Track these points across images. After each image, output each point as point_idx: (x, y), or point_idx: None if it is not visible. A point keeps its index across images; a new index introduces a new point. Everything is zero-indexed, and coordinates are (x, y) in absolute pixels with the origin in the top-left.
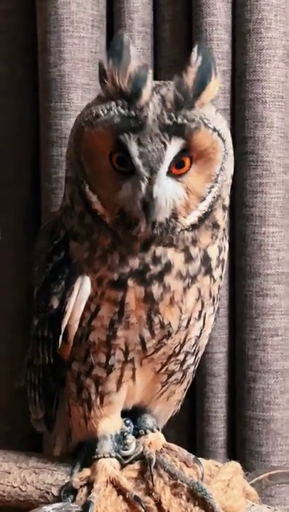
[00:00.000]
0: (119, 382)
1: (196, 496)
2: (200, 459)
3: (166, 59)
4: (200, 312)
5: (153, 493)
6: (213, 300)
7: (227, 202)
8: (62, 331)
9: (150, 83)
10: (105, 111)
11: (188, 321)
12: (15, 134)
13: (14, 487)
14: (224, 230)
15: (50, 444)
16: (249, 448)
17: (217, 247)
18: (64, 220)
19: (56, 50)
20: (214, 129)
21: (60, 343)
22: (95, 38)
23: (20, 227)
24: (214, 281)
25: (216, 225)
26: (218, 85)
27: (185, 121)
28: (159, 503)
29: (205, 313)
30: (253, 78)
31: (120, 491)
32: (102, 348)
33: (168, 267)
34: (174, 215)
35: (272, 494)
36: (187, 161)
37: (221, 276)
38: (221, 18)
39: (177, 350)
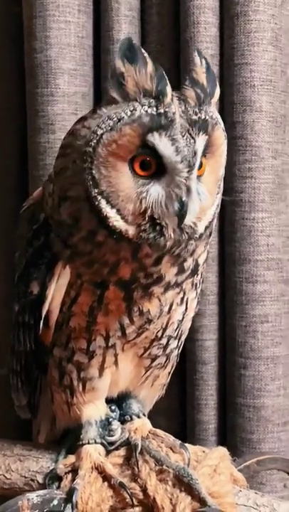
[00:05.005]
0: (101, 368)
1: (182, 481)
2: (186, 444)
3: (153, 43)
4: (182, 298)
5: (138, 479)
6: (195, 286)
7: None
8: (43, 316)
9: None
10: (128, 112)
11: (170, 306)
12: (2, 121)
13: None
14: None
15: (35, 431)
16: (240, 435)
17: (206, 250)
18: (54, 231)
19: (42, 35)
20: (223, 129)
21: (41, 328)
22: (82, 22)
23: (8, 215)
24: (197, 275)
25: (210, 234)
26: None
27: (207, 116)
28: (144, 489)
29: (187, 298)
30: (241, 62)
31: (105, 477)
32: (82, 333)
33: (158, 280)
34: (198, 218)
35: (264, 482)
36: (204, 161)
37: (203, 267)
38: (208, 1)
39: (159, 334)
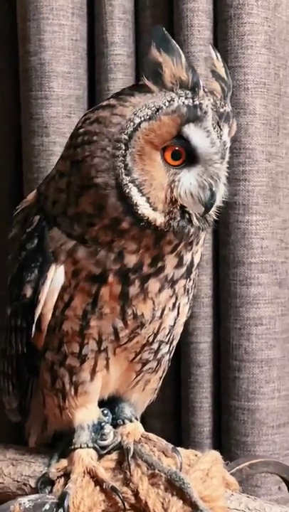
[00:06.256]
0: (93, 372)
1: (174, 485)
2: (179, 448)
3: (147, 46)
4: (174, 303)
5: (130, 484)
6: (188, 292)
7: None
8: (36, 319)
9: None
10: (166, 103)
11: (162, 311)
12: None
13: None
14: None
15: (26, 435)
16: (234, 438)
17: (200, 252)
18: (66, 227)
19: (36, 38)
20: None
21: (33, 332)
22: (76, 25)
23: (2, 217)
24: (190, 280)
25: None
26: None
27: (229, 109)
28: (136, 494)
29: (179, 304)
30: (234, 65)
31: (97, 481)
32: (75, 337)
33: (159, 270)
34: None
35: (258, 484)
36: None
37: (196, 272)
38: (201, 3)
39: (151, 339)
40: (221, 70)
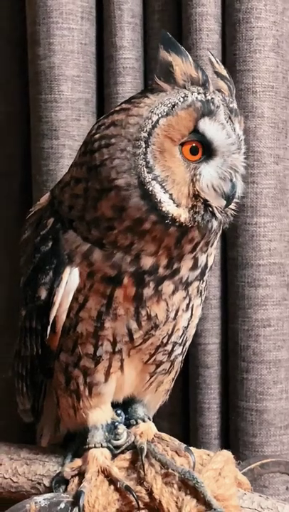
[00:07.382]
0: (107, 373)
1: (188, 484)
2: (191, 448)
3: (156, 50)
4: (187, 305)
5: (144, 483)
6: (201, 293)
7: None
8: (51, 321)
9: None
10: (181, 99)
11: (176, 312)
12: (5, 127)
13: (6, 478)
14: None
15: (38, 435)
16: (242, 439)
17: (213, 254)
18: (83, 232)
19: (46, 41)
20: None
21: (48, 333)
22: (85, 29)
23: (12, 220)
24: (203, 281)
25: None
26: None
27: (236, 106)
28: (150, 493)
29: (192, 305)
30: (243, 68)
31: (111, 480)
32: (89, 339)
33: (174, 273)
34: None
35: (266, 485)
36: None
37: (208, 274)
38: (210, 8)
39: (165, 340)
40: (223, 71)
